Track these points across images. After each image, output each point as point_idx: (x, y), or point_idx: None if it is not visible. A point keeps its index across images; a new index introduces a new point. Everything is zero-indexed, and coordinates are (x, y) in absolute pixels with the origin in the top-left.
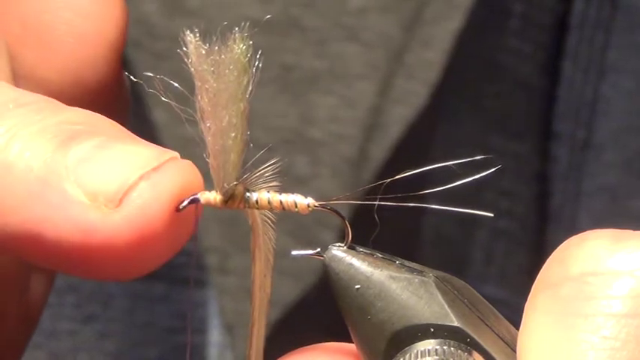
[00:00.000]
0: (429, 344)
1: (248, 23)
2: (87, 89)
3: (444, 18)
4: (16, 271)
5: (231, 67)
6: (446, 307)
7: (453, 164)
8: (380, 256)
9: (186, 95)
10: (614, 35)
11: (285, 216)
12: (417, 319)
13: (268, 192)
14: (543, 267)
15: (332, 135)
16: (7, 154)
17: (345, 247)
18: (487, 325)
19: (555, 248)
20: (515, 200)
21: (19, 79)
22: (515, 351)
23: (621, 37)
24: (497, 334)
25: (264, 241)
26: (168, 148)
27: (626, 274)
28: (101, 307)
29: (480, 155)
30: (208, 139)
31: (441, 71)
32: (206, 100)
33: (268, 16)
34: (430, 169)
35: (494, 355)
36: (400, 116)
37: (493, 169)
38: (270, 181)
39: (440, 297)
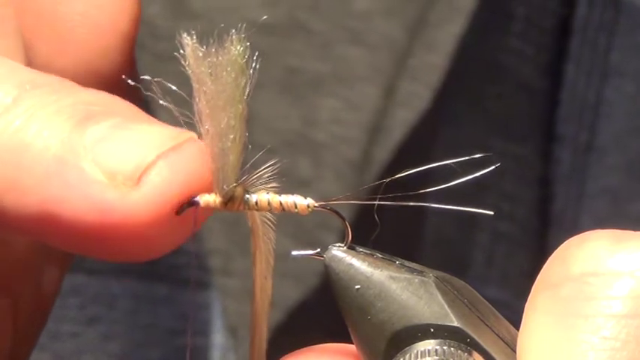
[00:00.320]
0: (429, 344)
1: (246, 25)
2: (101, 80)
3: (448, 21)
4: (32, 259)
5: (228, 68)
6: (446, 307)
7: (453, 163)
8: (380, 256)
9: (187, 98)
10: (617, 38)
11: (285, 218)
12: (417, 320)
13: (268, 193)
14: (543, 267)
15: (335, 137)
16: (24, 134)
17: (345, 248)
18: (487, 325)
19: None
20: (517, 202)
21: (34, 68)
22: (515, 351)
23: (624, 40)
24: (497, 335)
25: (265, 242)
26: None
27: (626, 275)
28: (104, 309)
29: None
30: (207, 141)
31: (444, 74)
32: (204, 102)
33: (265, 17)
34: (430, 167)
35: (494, 355)
36: (404, 119)
37: (493, 167)
38: (269, 183)
39: (440, 297)
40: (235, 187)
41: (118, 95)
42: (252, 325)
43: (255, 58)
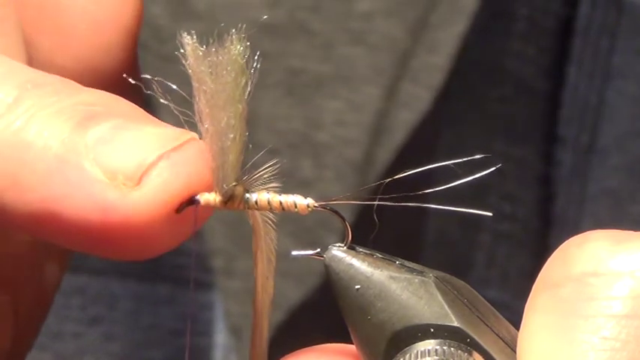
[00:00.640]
0: (429, 344)
1: (248, 24)
2: (102, 75)
3: (450, 22)
4: (32, 256)
5: (228, 68)
6: (446, 307)
7: (454, 164)
8: (380, 256)
9: (190, 98)
10: (620, 40)
11: (286, 218)
12: (417, 320)
13: (268, 193)
14: (544, 267)
15: (337, 138)
16: (25, 134)
17: (345, 248)
18: (487, 325)
19: None
20: (518, 204)
21: (36, 65)
22: (515, 351)
23: (626, 42)
24: (497, 335)
25: (266, 242)
26: None
27: (626, 275)
28: (106, 309)
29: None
30: (207, 140)
31: (445, 75)
32: (204, 101)
33: (265, 17)
34: (431, 168)
35: (494, 355)
36: (405, 120)
37: (494, 168)
38: (270, 182)
39: (440, 297)
40: (235, 186)
41: (119, 92)
42: (254, 324)
43: (256, 58)
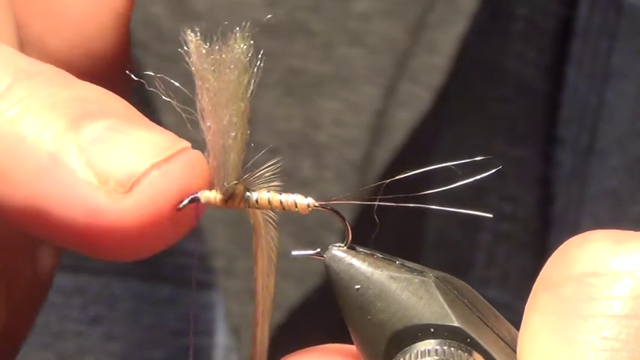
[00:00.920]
0: (429, 344)
1: (250, 24)
2: (95, 59)
3: (449, 23)
4: (24, 239)
5: (231, 66)
6: (446, 307)
7: (454, 165)
8: (380, 256)
9: (192, 97)
10: (619, 41)
11: (286, 217)
12: (417, 319)
13: (268, 192)
14: (544, 267)
15: (337, 139)
16: (18, 125)
17: (345, 248)
18: (487, 325)
19: None
20: (518, 204)
21: (27, 48)
22: (515, 351)
23: (626, 43)
24: (497, 335)
25: (267, 240)
26: None
27: (626, 275)
28: (107, 309)
29: (484, 156)
30: (209, 138)
31: (445, 76)
32: (206, 99)
33: (269, 16)
34: (431, 169)
35: (494, 355)
36: (405, 120)
37: (495, 170)
38: (270, 181)
39: (440, 297)
40: (236, 184)
41: (111, 76)
42: (255, 322)
43: (257, 59)
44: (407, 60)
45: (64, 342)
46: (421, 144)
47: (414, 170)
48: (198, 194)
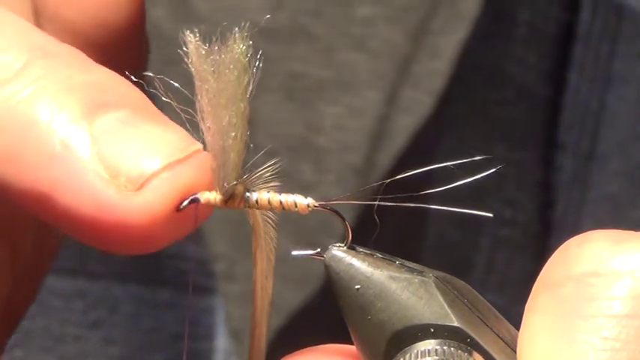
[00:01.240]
0: (429, 344)
1: (250, 25)
2: (110, 31)
3: (451, 28)
4: None
5: (231, 66)
6: (446, 307)
7: (454, 165)
8: (380, 256)
9: (192, 98)
10: (621, 45)
11: (285, 220)
12: (417, 320)
13: (268, 192)
14: (544, 267)
15: (338, 143)
16: (32, 107)
17: (345, 248)
18: (487, 325)
19: None
20: (518, 208)
21: (43, 20)
22: (515, 351)
23: (627, 47)
24: (497, 335)
25: (266, 242)
26: None
27: (626, 275)
28: (107, 313)
29: (485, 160)
30: (208, 138)
31: (447, 80)
32: (206, 100)
33: (267, 16)
34: (432, 169)
35: (494, 355)
36: (406, 125)
37: (495, 169)
38: (270, 182)
39: (440, 297)
40: (236, 185)
41: (126, 48)
42: (253, 323)
43: (258, 61)
44: (409, 65)
45: (65, 346)
46: (422, 148)
47: (415, 170)
48: (198, 195)
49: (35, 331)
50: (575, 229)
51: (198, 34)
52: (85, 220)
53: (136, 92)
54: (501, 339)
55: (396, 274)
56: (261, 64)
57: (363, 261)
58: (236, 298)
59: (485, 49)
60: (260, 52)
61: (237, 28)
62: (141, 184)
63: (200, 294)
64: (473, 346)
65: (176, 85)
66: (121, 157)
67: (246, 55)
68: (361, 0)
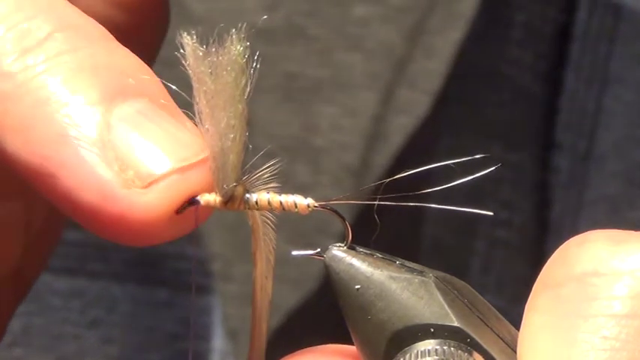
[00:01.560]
0: (429, 344)
1: (246, 26)
2: (127, 5)
3: (447, 28)
4: None
5: (228, 68)
6: (446, 307)
7: (453, 163)
8: (380, 256)
9: (190, 100)
10: (617, 46)
11: (284, 223)
12: (417, 319)
13: (268, 193)
14: (544, 267)
15: (334, 144)
16: (49, 84)
17: (345, 248)
18: (487, 325)
19: None
20: (515, 210)
21: None
22: (515, 351)
23: (624, 48)
24: (497, 335)
25: (265, 242)
26: None
27: (626, 275)
28: (105, 312)
29: (481, 161)
30: (207, 141)
31: (443, 81)
32: (204, 101)
33: (265, 17)
34: (430, 169)
35: (494, 355)
36: (402, 126)
37: (494, 167)
38: (269, 183)
39: (440, 297)
40: (235, 186)
41: (146, 11)
42: (253, 324)
43: (255, 60)
44: (405, 65)
45: (63, 345)
46: (419, 149)
47: (414, 169)
48: (199, 197)
49: (34, 329)
50: (573, 230)
51: (195, 36)
52: (87, 207)
53: (156, 81)
54: (501, 339)
55: (396, 274)
56: (257, 65)
57: (363, 261)
58: (233, 298)
59: (481, 49)
60: (256, 53)
61: (234, 30)
62: (149, 183)
63: (197, 294)
64: (473, 346)
65: (174, 87)
66: (133, 151)
67: (244, 56)
68: (357, 0)
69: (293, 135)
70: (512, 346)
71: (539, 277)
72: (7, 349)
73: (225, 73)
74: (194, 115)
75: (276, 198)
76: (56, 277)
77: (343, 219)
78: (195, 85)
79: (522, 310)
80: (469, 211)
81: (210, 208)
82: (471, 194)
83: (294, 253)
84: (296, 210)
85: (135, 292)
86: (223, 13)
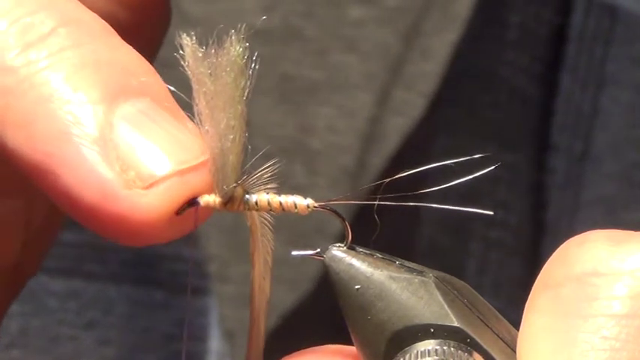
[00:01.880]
0: (429, 344)
1: (245, 26)
2: (134, 7)
3: (443, 29)
4: None
5: (228, 69)
6: (446, 307)
7: (452, 163)
8: (380, 256)
9: (189, 102)
10: (613, 47)
11: (282, 224)
12: (417, 320)
13: (267, 193)
14: (544, 267)
15: (330, 145)
16: (52, 80)
17: (345, 248)
18: (487, 325)
19: None
20: (510, 211)
21: None
22: (515, 351)
23: (620, 49)
24: (497, 335)
25: (263, 243)
26: None
27: (626, 275)
28: (101, 314)
29: (477, 161)
30: (206, 141)
31: (439, 82)
32: (204, 102)
33: (264, 18)
34: (427, 169)
35: (494, 355)
36: (398, 127)
37: (492, 167)
38: (269, 183)
39: (440, 297)
40: (235, 187)
41: (147, 22)
42: (251, 324)
43: (253, 59)
44: (401, 67)
45: (59, 346)
46: (415, 150)
47: (412, 169)
48: (198, 198)
49: (31, 331)
50: (569, 232)
51: (194, 37)
52: (87, 205)
53: (158, 80)
54: (501, 339)
55: (396, 274)
56: (254, 66)
57: (363, 261)
58: (230, 300)
59: (477, 51)
60: (253, 53)
61: (233, 31)
62: (150, 184)
63: (194, 295)
64: (473, 346)
65: (172, 88)
66: (134, 152)
67: (243, 57)
68: (353, 1)
69: (289, 136)
70: (511, 346)
71: (538, 277)
72: (5, 351)
73: (224, 74)
74: (194, 116)
75: (275, 199)
76: (52, 278)
77: (343, 219)
78: (194, 86)
79: (519, 311)
80: (469, 211)
81: (209, 209)
82: (466, 195)
83: (294, 253)
84: (296, 210)
85: (131, 294)
86: (221, 14)
